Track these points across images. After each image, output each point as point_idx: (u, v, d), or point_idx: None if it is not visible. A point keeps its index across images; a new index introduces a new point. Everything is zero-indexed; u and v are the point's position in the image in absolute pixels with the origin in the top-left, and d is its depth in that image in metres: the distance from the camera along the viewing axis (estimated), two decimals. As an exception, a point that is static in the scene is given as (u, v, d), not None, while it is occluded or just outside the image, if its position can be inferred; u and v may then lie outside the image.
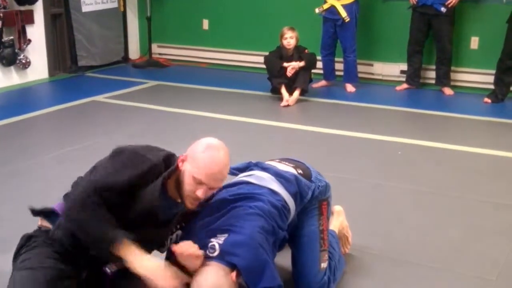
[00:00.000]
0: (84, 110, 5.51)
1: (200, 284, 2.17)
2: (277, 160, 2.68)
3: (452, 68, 6.24)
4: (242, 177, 2.56)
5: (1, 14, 6.01)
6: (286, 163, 2.64)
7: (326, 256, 2.55)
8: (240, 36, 7.31)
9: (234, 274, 2.21)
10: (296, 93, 5.80)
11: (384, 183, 3.81)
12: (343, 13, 6.05)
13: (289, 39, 5.80)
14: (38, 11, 6.54)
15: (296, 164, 2.66)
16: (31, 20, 6.44)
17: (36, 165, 4.00)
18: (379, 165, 4.17)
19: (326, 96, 6.14)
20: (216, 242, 2.25)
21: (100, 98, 5.91)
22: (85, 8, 6.98)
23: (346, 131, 4.89)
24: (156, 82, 6.66)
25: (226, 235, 2.25)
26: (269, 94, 6.05)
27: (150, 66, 7.46)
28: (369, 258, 2.88)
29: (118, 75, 6.96)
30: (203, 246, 2.24)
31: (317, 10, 6.18)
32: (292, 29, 5.84)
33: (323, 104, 5.90)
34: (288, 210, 2.45)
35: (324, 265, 2.53)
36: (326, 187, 2.64)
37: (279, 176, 2.50)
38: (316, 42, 6.34)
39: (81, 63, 7.08)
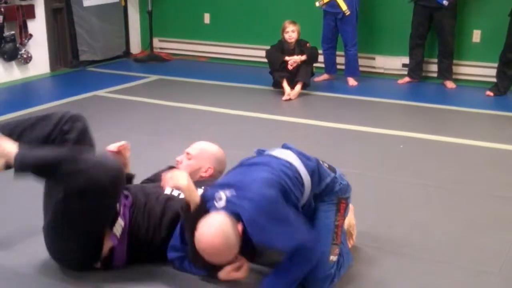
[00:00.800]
0: (86, 104, 5.51)
1: (205, 229, 2.25)
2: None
3: (454, 61, 6.23)
4: (266, 152, 2.61)
5: (2, 9, 6.01)
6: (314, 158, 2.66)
7: (337, 250, 2.56)
8: (242, 30, 7.30)
9: (240, 225, 2.26)
10: (298, 87, 5.80)
11: (385, 177, 3.81)
12: (344, 6, 6.03)
13: (291, 33, 5.79)
14: (39, 5, 6.54)
15: (323, 161, 2.70)
16: (32, 15, 6.44)
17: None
18: (381, 158, 4.16)
19: (328, 90, 6.13)
20: (223, 193, 2.31)
21: (101, 92, 5.91)
22: (86, 3, 6.97)
23: (348, 125, 4.88)
24: (158, 77, 6.66)
25: (233, 189, 2.31)
26: (271, 88, 6.04)
27: (152, 61, 7.46)
28: (370, 252, 2.88)
29: (120, 70, 6.95)
30: (212, 198, 2.31)
31: (317, 4, 6.16)
32: (293, 22, 5.82)
33: (325, 98, 5.89)
34: (302, 184, 2.45)
35: (333, 258, 2.54)
36: (347, 187, 2.68)
37: (301, 154, 2.55)
38: (318, 36, 6.33)
39: (83, 57, 7.08)
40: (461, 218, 3.26)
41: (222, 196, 2.31)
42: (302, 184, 2.46)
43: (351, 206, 2.89)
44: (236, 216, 2.27)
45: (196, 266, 2.52)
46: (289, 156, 2.51)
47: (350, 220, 2.88)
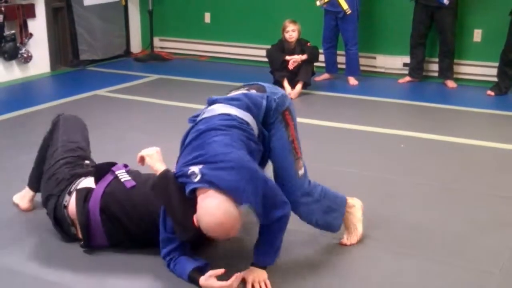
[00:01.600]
0: (86, 104, 5.51)
1: (213, 212, 2.28)
2: (233, 89, 2.81)
3: (455, 60, 6.22)
4: (198, 118, 2.67)
5: (3, 8, 6.01)
6: (241, 89, 2.75)
7: (301, 163, 2.71)
8: (242, 29, 7.29)
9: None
10: (299, 87, 5.79)
11: (386, 176, 3.80)
12: (345, 6, 6.02)
13: (291, 32, 5.78)
14: (40, 5, 6.53)
15: (250, 86, 2.77)
16: (32, 14, 6.43)
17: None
18: (382, 158, 4.16)
19: (328, 89, 6.12)
20: (194, 168, 2.38)
21: (102, 92, 5.90)
22: (86, 2, 6.96)
23: (349, 124, 4.88)
24: (158, 76, 6.65)
25: (201, 164, 2.39)
26: (271, 87, 6.03)
27: (152, 60, 7.45)
28: (371, 251, 2.88)
29: (120, 69, 6.95)
30: (183, 175, 2.39)
31: (318, 3, 6.15)
32: (294, 22, 5.81)
33: (326, 97, 5.89)
34: (247, 123, 2.56)
35: (301, 172, 2.66)
36: (284, 98, 2.74)
37: (229, 100, 2.64)
38: (318, 35, 6.32)
39: (83, 57, 7.07)
40: (462, 217, 3.25)
41: (195, 170, 2.37)
42: (248, 123, 2.55)
43: (359, 202, 2.91)
44: (215, 187, 2.33)
45: (183, 238, 2.51)
46: (221, 109, 2.59)
47: (355, 214, 2.92)
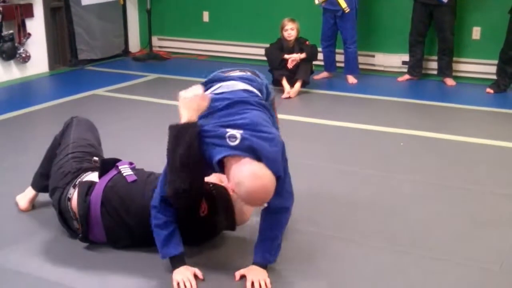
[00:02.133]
0: (85, 103, 5.50)
1: (259, 175, 2.29)
2: (227, 70, 2.82)
3: (454, 58, 6.22)
4: (215, 91, 2.63)
5: (1, 8, 6.00)
6: (239, 71, 2.81)
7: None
8: (241, 28, 7.29)
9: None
10: (297, 85, 5.78)
11: (386, 175, 3.80)
12: (343, 4, 6.01)
13: (290, 31, 5.78)
14: (38, 4, 6.52)
15: (245, 69, 2.86)
16: (30, 14, 6.42)
17: (36, 159, 3.98)
18: (381, 156, 4.15)
19: (327, 88, 6.11)
20: (233, 131, 2.37)
21: (100, 91, 5.89)
22: (84, 1, 6.95)
23: (348, 123, 4.87)
24: (157, 75, 6.64)
25: (242, 129, 2.39)
26: (270, 86, 6.02)
27: (151, 59, 7.44)
28: (371, 250, 2.87)
29: (119, 69, 6.94)
30: (221, 136, 2.37)
31: (316, 1, 6.14)
32: (292, 20, 5.81)
33: (325, 95, 5.88)
34: (263, 100, 2.66)
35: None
36: (270, 86, 2.90)
37: (242, 78, 2.70)
38: (317, 34, 6.31)
39: (81, 56, 7.06)
40: (461, 215, 3.25)
41: (236, 134, 2.36)
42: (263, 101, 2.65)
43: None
44: (253, 155, 2.34)
45: (171, 191, 2.45)
46: (242, 85, 2.64)
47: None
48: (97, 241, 2.83)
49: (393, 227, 3.11)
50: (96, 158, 3.02)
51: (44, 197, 3.29)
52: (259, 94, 2.65)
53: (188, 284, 2.51)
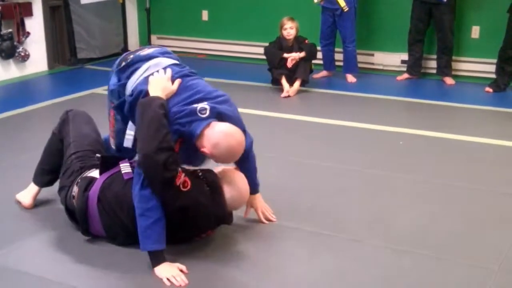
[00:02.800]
0: (84, 102, 5.48)
1: (231, 132, 2.65)
2: (138, 50, 3.04)
3: (453, 57, 6.22)
4: (146, 71, 2.85)
5: (0, 7, 5.98)
6: (145, 49, 3.04)
7: None
8: (240, 27, 7.28)
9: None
10: (297, 84, 5.78)
11: (385, 173, 3.80)
12: (342, 3, 6.01)
13: (289, 30, 5.77)
14: (37, 3, 6.51)
15: (150, 46, 3.14)
16: (29, 13, 6.41)
17: (35, 158, 3.97)
18: (380, 155, 4.15)
19: (326, 87, 6.11)
20: (201, 104, 2.68)
21: (99, 90, 5.88)
22: (83, 0, 6.94)
23: (347, 122, 4.87)
24: (156, 74, 6.63)
25: (202, 99, 2.72)
26: (270, 85, 6.03)
27: (150, 58, 7.42)
28: (370, 249, 2.87)
29: (118, 67, 6.92)
30: (191, 113, 2.65)
31: (315, 0, 6.14)
32: (292, 19, 5.80)
33: (324, 94, 5.88)
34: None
35: None
36: None
37: (163, 53, 3.03)
38: (316, 32, 6.31)
39: (81, 55, 7.05)
40: (460, 214, 3.25)
41: (205, 106, 2.67)
42: None
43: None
44: (220, 119, 2.68)
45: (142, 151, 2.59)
46: (168, 61, 2.98)
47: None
48: (99, 235, 2.85)
49: (392, 226, 3.11)
50: (98, 155, 3.03)
51: (43, 195, 3.30)
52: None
53: (179, 279, 2.54)
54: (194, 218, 2.70)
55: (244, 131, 2.78)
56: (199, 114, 2.65)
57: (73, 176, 2.96)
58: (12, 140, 4.39)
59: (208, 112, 2.66)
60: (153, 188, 2.56)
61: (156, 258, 2.61)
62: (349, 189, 3.58)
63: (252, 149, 2.94)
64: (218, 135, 2.62)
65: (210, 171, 2.82)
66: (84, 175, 2.92)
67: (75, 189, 2.87)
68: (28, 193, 3.25)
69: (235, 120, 2.75)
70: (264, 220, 3.08)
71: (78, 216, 2.83)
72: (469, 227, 3.12)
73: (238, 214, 3.10)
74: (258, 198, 3.09)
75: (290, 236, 2.98)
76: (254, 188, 3.00)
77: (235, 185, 2.77)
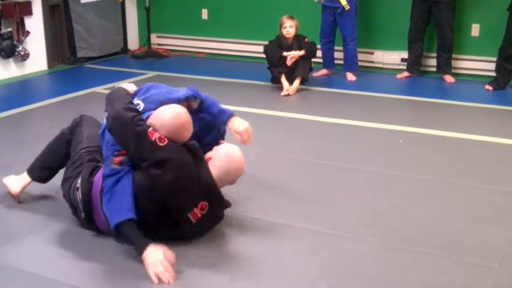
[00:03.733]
0: (84, 101, 5.49)
1: (172, 113, 2.79)
2: None
3: (453, 55, 6.21)
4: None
5: (0, 6, 5.99)
6: None
7: None
8: (240, 25, 7.28)
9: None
10: (296, 82, 5.78)
11: (385, 172, 3.80)
12: (343, 1, 6.00)
13: (289, 28, 5.77)
14: (36, 2, 6.50)
15: None
16: (29, 12, 6.41)
17: (35, 157, 3.98)
18: (380, 153, 4.15)
19: (326, 85, 6.11)
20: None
21: (99, 89, 5.88)
22: (83, -1, 6.94)
23: (347, 120, 4.87)
24: (156, 73, 6.63)
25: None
26: (269, 83, 6.02)
27: (149, 57, 7.42)
28: (369, 247, 2.87)
29: (117, 66, 6.93)
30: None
31: (315, -2, 6.14)
32: (291, 18, 5.80)
33: (324, 93, 5.88)
34: None
35: None
36: None
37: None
38: (316, 31, 6.31)
39: (80, 54, 7.05)
40: (460, 212, 3.25)
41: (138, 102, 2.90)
42: None
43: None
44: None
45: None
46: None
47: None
48: (101, 228, 2.84)
49: (392, 224, 3.11)
50: None
51: (43, 192, 3.30)
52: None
53: (167, 275, 2.52)
54: (178, 179, 2.67)
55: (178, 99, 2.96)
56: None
57: (80, 168, 2.95)
58: (12, 139, 4.39)
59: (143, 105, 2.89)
60: (127, 147, 2.67)
61: (138, 243, 2.60)
62: (349, 187, 3.58)
63: (201, 94, 3.15)
64: (159, 115, 2.81)
65: (192, 142, 2.87)
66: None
67: (79, 181, 2.87)
68: (19, 181, 3.26)
69: (168, 100, 2.94)
70: (241, 142, 3.20)
71: (81, 204, 2.83)
72: (470, 225, 3.11)
73: (237, 212, 3.11)
74: (237, 119, 3.21)
75: (290, 234, 2.98)
76: (225, 114, 3.18)
77: (224, 152, 2.82)
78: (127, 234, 2.63)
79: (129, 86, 3.07)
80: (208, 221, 2.82)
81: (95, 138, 3.08)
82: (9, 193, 3.28)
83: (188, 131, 2.82)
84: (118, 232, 2.66)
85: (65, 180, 3.01)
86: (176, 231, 2.79)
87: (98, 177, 2.82)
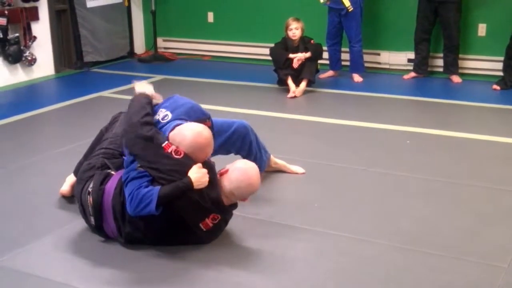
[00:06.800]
0: (90, 106, 5.51)
1: (194, 131, 2.77)
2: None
3: (460, 55, 6.19)
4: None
5: (6, 12, 6.01)
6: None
7: None
8: (245, 28, 7.28)
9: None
10: (303, 84, 5.78)
11: (392, 173, 3.79)
12: (347, 3, 6.00)
13: (294, 30, 5.77)
14: (43, 7, 6.53)
15: None
16: (36, 17, 6.44)
17: (43, 161, 4.00)
18: (387, 154, 4.14)
19: (333, 87, 6.10)
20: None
21: (106, 93, 5.90)
22: (89, 4, 6.96)
23: (354, 121, 4.86)
24: (162, 76, 6.65)
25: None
26: (276, 86, 6.03)
27: (156, 61, 7.44)
28: (378, 248, 2.87)
29: (124, 70, 6.95)
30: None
31: (321, 0, 6.14)
32: (297, 20, 5.80)
33: (330, 94, 5.87)
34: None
35: None
36: None
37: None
38: (322, 32, 6.31)
39: (87, 58, 7.07)
40: (469, 213, 3.24)
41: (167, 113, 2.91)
42: None
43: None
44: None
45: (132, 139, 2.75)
46: None
47: None
48: (110, 235, 2.86)
49: (400, 225, 3.10)
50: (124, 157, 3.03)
51: (51, 196, 3.31)
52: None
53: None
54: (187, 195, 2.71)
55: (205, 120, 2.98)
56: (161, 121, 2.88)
57: (92, 171, 2.96)
58: (20, 144, 4.40)
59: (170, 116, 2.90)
60: (134, 150, 2.72)
61: (180, 185, 2.68)
62: (356, 188, 3.57)
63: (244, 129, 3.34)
64: (181, 131, 2.79)
65: (209, 161, 2.87)
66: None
67: (91, 185, 2.88)
68: (67, 181, 3.35)
69: (195, 112, 2.98)
70: (294, 170, 3.70)
71: (93, 209, 2.84)
72: (477, 225, 3.10)
73: (242, 214, 3.11)
74: (274, 159, 3.61)
75: (298, 236, 2.98)
76: (264, 159, 3.46)
77: (239, 168, 2.82)
78: (169, 196, 2.65)
79: (148, 88, 3.09)
80: (218, 230, 2.86)
81: (119, 139, 3.08)
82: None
83: (204, 154, 2.80)
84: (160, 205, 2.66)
85: (77, 180, 3.05)
86: (187, 236, 2.81)
87: (110, 185, 2.83)
